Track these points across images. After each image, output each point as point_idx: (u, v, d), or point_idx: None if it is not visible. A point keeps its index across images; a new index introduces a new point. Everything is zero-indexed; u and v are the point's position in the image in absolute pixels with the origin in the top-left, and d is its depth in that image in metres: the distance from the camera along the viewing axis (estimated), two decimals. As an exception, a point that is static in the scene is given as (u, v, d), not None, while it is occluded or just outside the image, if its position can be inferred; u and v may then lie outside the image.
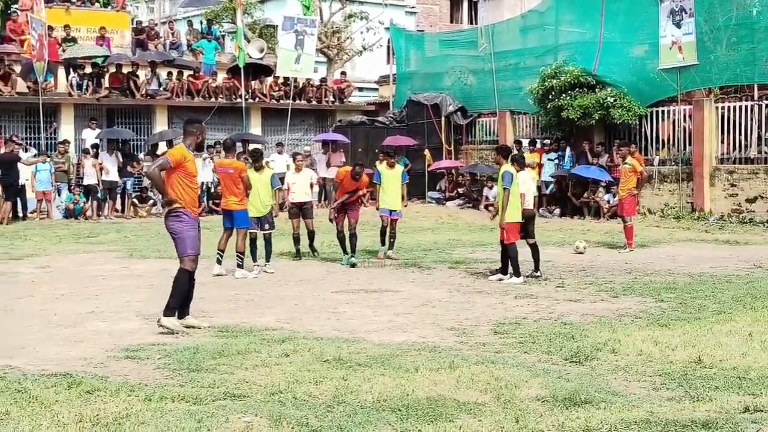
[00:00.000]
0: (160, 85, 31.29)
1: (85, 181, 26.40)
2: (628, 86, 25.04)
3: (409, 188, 18.11)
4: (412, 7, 55.73)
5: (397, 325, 10.55)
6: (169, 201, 10.06)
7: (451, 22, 57.62)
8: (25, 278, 14.61)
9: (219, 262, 15.03)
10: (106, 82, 30.46)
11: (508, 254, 14.14)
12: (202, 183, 25.97)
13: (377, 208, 17.37)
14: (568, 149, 26.27)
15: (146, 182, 27.47)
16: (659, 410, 6.78)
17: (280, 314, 11.27)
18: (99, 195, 26.39)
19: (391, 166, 17.31)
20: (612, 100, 24.58)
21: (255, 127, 32.99)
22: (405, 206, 17.70)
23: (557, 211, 25.89)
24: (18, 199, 25.24)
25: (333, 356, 8.50)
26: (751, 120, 22.93)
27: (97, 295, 12.82)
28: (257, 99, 33.04)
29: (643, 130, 25.17)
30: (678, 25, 23.63)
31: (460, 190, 29.43)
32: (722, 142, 23.61)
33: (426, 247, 18.71)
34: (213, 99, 31.93)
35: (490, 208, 27.19)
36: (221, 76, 33.12)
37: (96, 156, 26.54)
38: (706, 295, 12.28)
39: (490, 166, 29.34)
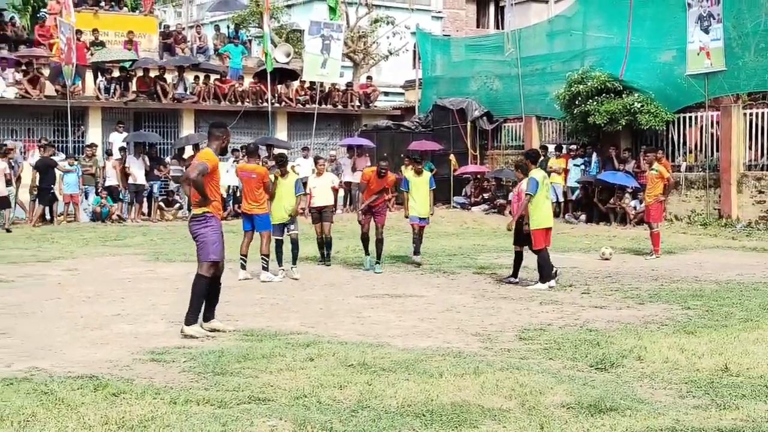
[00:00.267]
0: (186, 89, 31.44)
1: (107, 183, 26.57)
2: (655, 92, 24.91)
3: (435, 194, 17.92)
4: (439, 12, 55.72)
5: (421, 330, 10.54)
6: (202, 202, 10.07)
7: (478, 26, 57.59)
8: (52, 281, 14.70)
9: (243, 267, 15.09)
10: (133, 86, 30.64)
11: (538, 260, 14.05)
12: (228, 186, 26.08)
13: (406, 216, 17.22)
14: (594, 155, 26.15)
15: (173, 186, 27.61)
16: (685, 418, 6.75)
17: (304, 318, 11.29)
18: (121, 196, 26.54)
19: (419, 172, 17.20)
20: (639, 105, 24.45)
21: (281, 132, 33.07)
22: (431, 214, 17.43)
23: (583, 217, 25.78)
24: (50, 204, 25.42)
25: (357, 361, 8.50)
26: (779, 126, 22.78)
27: (123, 298, 12.89)
28: (283, 103, 33.14)
29: (670, 136, 25.03)
30: (706, 31, 23.48)
31: (486, 196, 29.37)
32: (750, 148, 23.45)
33: (451, 252, 18.68)
34: (239, 103, 32.05)
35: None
36: (248, 81, 33.23)
37: (123, 159, 26.68)
38: (733, 303, 12.20)
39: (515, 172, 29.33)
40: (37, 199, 25.02)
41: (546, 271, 13.95)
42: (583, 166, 26.31)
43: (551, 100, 27.68)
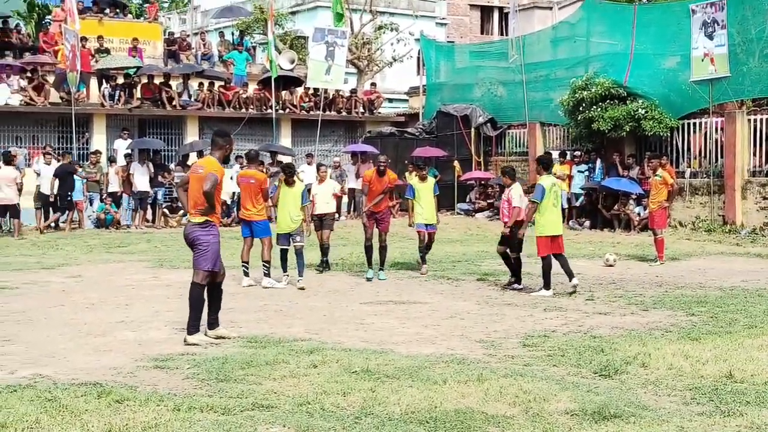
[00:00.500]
0: (190, 96, 31.49)
1: (110, 189, 26.62)
2: (659, 98, 24.90)
3: (439, 200, 17.82)
4: (443, 19, 55.78)
5: (425, 336, 10.53)
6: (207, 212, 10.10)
7: (482, 33, 57.64)
8: (56, 287, 14.72)
9: (246, 274, 15.11)
10: (138, 93, 30.70)
11: (542, 267, 14.01)
12: (233, 193, 26.10)
13: (410, 224, 17.14)
14: (598, 161, 26.15)
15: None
16: (689, 425, 6.74)
17: (308, 325, 11.29)
18: (122, 202, 26.58)
19: (423, 179, 17.10)
20: (643, 112, 24.45)
21: (285, 138, 33.12)
22: (438, 222, 17.30)
23: (587, 223, 25.76)
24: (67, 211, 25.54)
25: (361, 367, 8.50)
26: (784, 132, 22.77)
27: (127, 305, 12.90)
28: (287, 110, 33.18)
29: (674, 142, 25.02)
30: (710, 37, 23.47)
31: (490, 202, 29.35)
32: (754, 154, 23.43)
33: (455, 258, 18.67)
34: (244, 110, 32.11)
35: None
36: (252, 87, 33.28)
37: (128, 166, 26.72)
38: (738, 309, 12.18)
39: (520, 178, 29.28)
40: (46, 206, 25.05)
41: (547, 278, 13.91)
42: (587, 173, 26.30)
43: (555, 106, 27.70)
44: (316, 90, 33.23)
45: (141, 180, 26.45)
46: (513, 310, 12.46)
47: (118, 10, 34.87)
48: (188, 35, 37.77)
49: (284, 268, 15.26)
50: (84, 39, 29.62)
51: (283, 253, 15.27)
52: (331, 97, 33.94)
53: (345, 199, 29.49)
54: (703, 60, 23.66)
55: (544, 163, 14.58)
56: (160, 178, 27.19)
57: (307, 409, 7.16)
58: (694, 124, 24.65)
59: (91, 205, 26.46)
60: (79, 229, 25.43)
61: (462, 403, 7.34)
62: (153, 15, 36.66)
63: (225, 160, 10.55)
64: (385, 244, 16.15)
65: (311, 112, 33.09)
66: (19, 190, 24.11)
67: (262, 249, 15.04)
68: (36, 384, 7.94)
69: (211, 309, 10.30)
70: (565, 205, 26.12)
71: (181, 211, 27.15)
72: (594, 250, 19.94)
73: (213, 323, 10.32)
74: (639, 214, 24.01)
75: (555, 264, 13.96)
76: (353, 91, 36.05)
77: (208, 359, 8.96)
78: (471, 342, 10.16)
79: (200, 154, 26.09)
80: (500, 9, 57.50)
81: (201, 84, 32.16)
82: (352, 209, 29.66)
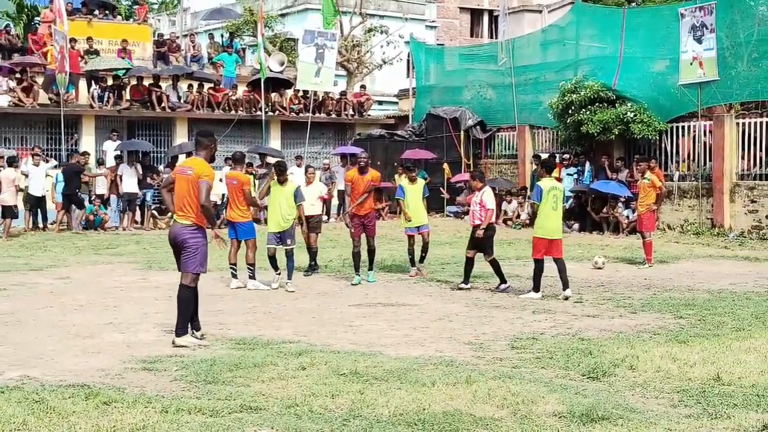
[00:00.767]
0: (180, 97, 31.46)
1: (98, 191, 26.59)
2: (648, 101, 24.97)
3: (429, 202, 17.74)
4: (433, 21, 55.82)
5: (414, 339, 10.53)
6: (213, 226, 10.13)
7: (471, 36, 57.70)
8: (44, 289, 14.67)
9: (234, 276, 15.09)
10: (127, 95, 30.65)
11: (534, 269, 14.01)
12: (223, 195, 26.04)
13: (408, 219, 17.01)
14: (587, 164, 26.20)
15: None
16: (677, 427, 6.76)
17: (297, 327, 11.28)
18: (110, 204, 26.55)
19: (413, 180, 17.09)
20: (632, 115, 24.51)
21: (274, 140, 33.12)
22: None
23: (576, 226, 25.80)
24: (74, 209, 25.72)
25: (349, 370, 8.50)
26: (772, 136, 22.84)
27: (115, 307, 12.87)
28: (277, 112, 33.19)
29: (663, 145, 25.08)
30: (699, 41, 23.55)
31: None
32: (743, 158, 23.50)
33: (444, 261, 18.67)
34: (233, 112, 32.11)
35: (508, 222, 27.27)
36: (241, 89, 33.27)
37: (117, 166, 26.67)
38: (726, 312, 12.21)
39: (509, 181, 29.38)
40: (35, 207, 25.01)
41: (535, 281, 13.91)
42: (576, 176, 26.36)
43: (544, 109, 27.75)
44: (305, 92, 33.24)
45: (129, 181, 26.39)
46: (502, 313, 12.47)
47: (107, 12, 34.83)
48: (178, 37, 37.73)
49: (274, 267, 15.00)
50: (73, 40, 29.57)
51: (272, 256, 14.99)
52: (320, 99, 33.96)
53: (335, 201, 29.49)
54: (691, 63, 23.75)
55: (548, 166, 14.66)
56: (149, 180, 27.14)
57: (295, 411, 7.15)
58: (683, 127, 24.72)
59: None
60: (68, 231, 25.35)
61: (450, 405, 7.34)
62: (142, 16, 36.63)
63: (211, 160, 10.50)
64: (373, 247, 16.00)
65: (301, 114, 33.11)
66: (21, 191, 24.16)
67: (247, 251, 15.00)
68: (23, 385, 7.92)
69: (193, 311, 10.27)
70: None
71: (170, 213, 27.13)
72: (583, 252, 19.96)
73: (196, 325, 10.28)
74: (628, 217, 24.07)
75: (551, 269, 13.96)
76: (343, 94, 36.07)
77: (196, 361, 8.95)
78: (460, 344, 10.17)
79: (189, 156, 26.06)
80: (490, 12, 57.55)
81: (190, 86, 32.15)
82: (342, 211, 29.63)
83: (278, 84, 33.73)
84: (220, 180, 22.39)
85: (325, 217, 23.45)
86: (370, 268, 16.00)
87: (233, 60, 34.96)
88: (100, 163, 27.31)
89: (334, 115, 34.59)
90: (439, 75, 34.56)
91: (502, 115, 30.71)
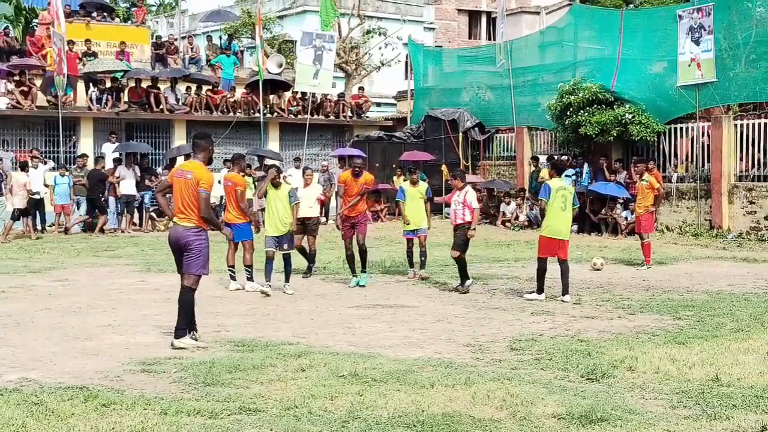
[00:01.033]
0: (178, 99, 31.45)
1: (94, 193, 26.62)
2: (646, 103, 24.98)
3: (432, 203, 17.50)
4: (431, 23, 55.82)
5: (413, 340, 10.53)
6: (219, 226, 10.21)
7: (470, 37, 57.69)
8: (42, 291, 14.67)
9: (233, 278, 15.07)
10: (125, 97, 30.64)
11: (537, 268, 13.97)
12: (221, 197, 26.04)
13: (407, 223, 16.94)
14: (585, 166, 26.21)
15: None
16: (676, 428, 6.76)
17: (296, 329, 11.28)
18: (108, 206, 26.56)
19: (414, 183, 16.96)
20: (630, 116, 24.52)
21: (273, 142, 33.10)
22: (428, 228, 17.05)
23: (575, 227, 25.69)
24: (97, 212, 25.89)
25: (349, 371, 8.50)
26: (770, 137, 22.86)
27: (114, 309, 12.87)
28: (275, 114, 33.18)
29: (661, 146, 25.10)
30: (697, 42, 23.58)
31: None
32: (741, 159, 23.52)
33: (442, 262, 18.66)
34: (231, 114, 32.09)
35: (507, 224, 27.28)
36: (240, 91, 33.26)
37: (114, 170, 26.66)
38: (724, 313, 12.22)
39: (507, 182, 29.38)
40: (33, 209, 25.01)
41: (538, 282, 13.90)
42: (574, 177, 26.34)
43: (543, 110, 27.77)
44: (304, 94, 33.24)
45: (127, 184, 26.37)
46: (500, 314, 12.47)
47: (105, 14, 34.81)
48: (176, 39, 37.72)
49: (267, 276, 14.58)
50: (71, 42, 29.58)
51: (269, 261, 14.63)
52: (319, 101, 33.95)
53: (333, 203, 29.47)
54: (689, 65, 23.77)
55: (557, 168, 14.66)
56: (147, 182, 27.13)
57: (294, 413, 7.15)
58: (681, 128, 24.74)
59: (78, 208, 26.37)
60: (66, 233, 25.33)
61: (449, 406, 7.34)
62: (140, 19, 36.60)
63: (208, 162, 10.51)
64: (364, 248, 15.75)
65: (299, 116, 33.09)
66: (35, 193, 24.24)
67: (244, 253, 14.95)
68: (22, 388, 7.92)
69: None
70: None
71: (166, 216, 27.12)
72: (581, 254, 19.97)
73: (192, 327, 10.29)
74: (626, 219, 24.08)
75: (553, 270, 13.95)
76: (341, 95, 36.07)
77: (195, 363, 8.95)
78: (458, 346, 10.17)
79: (187, 158, 26.06)
80: (488, 14, 57.57)
81: (189, 88, 32.14)
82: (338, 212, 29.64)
83: (276, 86, 33.72)
84: (219, 182, 22.41)
85: (323, 219, 23.45)
86: (363, 270, 15.75)
87: (231, 62, 34.93)
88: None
89: (332, 117, 34.58)
90: (438, 77, 34.58)
91: (501, 117, 30.74)
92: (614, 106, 25.08)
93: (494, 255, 20.45)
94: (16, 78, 29.13)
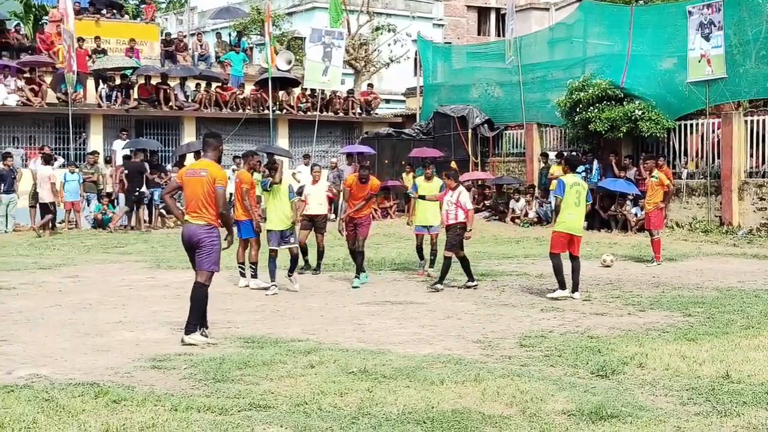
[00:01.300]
0: (187, 96, 31.49)
1: (107, 190, 26.71)
2: (656, 99, 24.92)
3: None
4: (440, 20, 55.78)
5: (422, 337, 10.53)
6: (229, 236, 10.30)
7: (479, 34, 57.63)
8: (53, 288, 14.70)
9: (242, 274, 15.08)
10: (135, 94, 30.70)
11: (552, 266, 13.82)
12: (230, 194, 26.08)
13: (408, 223, 16.89)
14: (595, 162, 26.15)
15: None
16: (686, 425, 6.75)
17: (305, 325, 11.29)
18: (117, 203, 26.64)
19: (429, 178, 16.73)
20: (640, 113, 24.45)
21: (282, 139, 33.14)
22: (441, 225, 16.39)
23: (584, 224, 25.71)
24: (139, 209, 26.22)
25: (358, 368, 8.50)
26: (781, 134, 22.79)
27: (124, 305, 12.90)
28: (284, 111, 33.20)
29: (671, 143, 25.04)
30: (707, 38, 23.52)
31: (487, 203, 29.36)
32: (751, 155, 23.46)
33: (452, 259, 18.64)
34: (241, 110, 32.12)
35: (516, 220, 27.24)
36: (249, 88, 33.28)
37: (124, 167, 26.73)
38: (734, 310, 12.20)
39: (517, 179, 29.34)
40: (42, 206, 25.12)
41: (558, 278, 13.75)
42: (584, 174, 26.27)
43: (552, 107, 27.70)
44: (313, 91, 33.24)
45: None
46: (510, 311, 12.46)
47: (114, 11, 34.89)
48: (185, 36, 37.77)
49: (272, 276, 14.33)
50: (81, 40, 29.63)
51: (273, 258, 14.35)
52: (328, 97, 33.95)
53: (342, 200, 29.47)
54: (699, 61, 23.71)
55: (571, 163, 14.56)
56: (156, 179, 27.16)
57: (304, 410, 7.16)
58: (691, 125, 24.67)
59: (88, 205, 26.43)
60: (76, 230, 25.41)
61: (459, 403, 7.34)
62: (150, 16, 36.65)
63: (218, 160, 10.57)
64: (361, 250, 15.47)
65: (308, 113, 33.10)
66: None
67: (250, 250, 14.93)
68: (33, 384, 7.94)
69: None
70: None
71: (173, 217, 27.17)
72: (591, 250, 19.93)
73: (202, 323, 10.34)
74: (636, 215, 24.03)
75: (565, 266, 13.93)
76: (350, 92, 36.07)
77: (205, 359, 8.96)
78: (468, 342, 10.17)
79: (197, 155, 26.10)
80: (497, 10, 57.50)
81: (198, 85, 32.18)
82: (341, 211, 29.64)
83: (286, 83, 33.74)
84: (228, 179, 22.46)
85: (332, 216, 23.46)
86: (357, 274, 15.36)
87: (241, 59, 34.98)
88: (108, 161, 27.34)
89: (341, 114, 34.59)
90: (447, 73, 34.50)
91: (510, 114, 30.67)
92: (624, 103, 25.01)
93: (504, 252, 20.43)
94: (26, 75, 29.20)
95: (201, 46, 35.98)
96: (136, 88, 30.90)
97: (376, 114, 36.51)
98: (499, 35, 54.49)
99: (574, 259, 13.81)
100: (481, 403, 7.34)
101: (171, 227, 26.01)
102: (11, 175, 24.74)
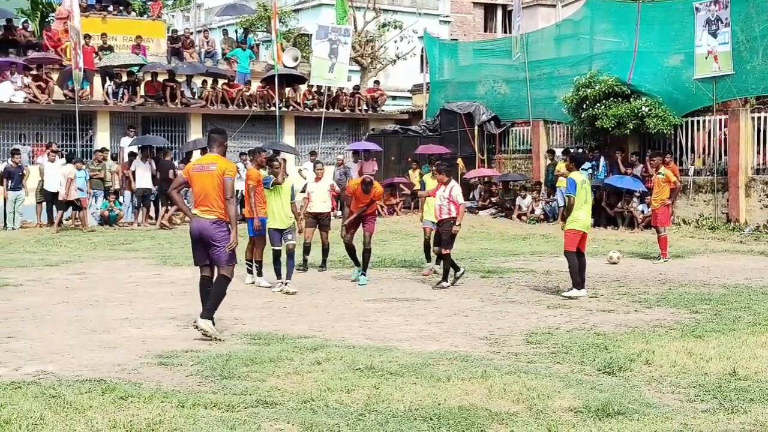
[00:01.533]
0: (193, 93, 31.52)
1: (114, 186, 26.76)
2: (663, 96, 24.88)
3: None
4: (446, 16, 55.79)
5: (429, 334, 10.54)
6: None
7: (485, 31, 57.64)
8: (60, 284, 14.72)
9: (249, 271, 15.07)
10: (141, 91, 30.73)
11: (568, 264, 13.68)
12: (237, 191, 26.07)
13: (421, 219, 16.85)
14: (602, 159, 26.14)
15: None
16: (693, 422, 6.74)
17: (312, 322, 11.29)
18: (123, 200, 26.67)
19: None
20: (647, 109, 24.42)
21: (288, 135, 33.15)
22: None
23: (591, 220, 25.69)
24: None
25: (365, 364, 8.50)
26: (788, 130, 22.74)
27: (131, 302, 12.91)
28: (291, 107, 33.20)
29: (678, 140, 25.01)
30: (714, 35, 23.47)
31: (493, 200, 29.35)
32: (758, 152, 23.41)
33: (458, 256, 18.55)
34: (247, 107, 32.13)
35: (522, 217, 27.22)
36: (255, 85, 33.29)
37: (129, 164, 26.77)
38: (741, 307, 12.18)
39: (523, 175, 29.33)
40: (49, 203, 25.17)
41: (575, 277, 13.59)
42: (590, 170, 26.26)
43: (559, 104, 27.68)
44: (319, 87, 33.25)
45: (143, 177, 26.43)
46: (516, 308, 12.46)
47: (121, 8, 34.93)
48: (192, 33, 37.84)
49: (278, 273, 14.34)
50: (87, 36, 29.67)
51: (276, 255, 14.33)
52: (334, 94, 33.96)
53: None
54: (706, 58, 23.67)
55: (577, 160, 14.52)
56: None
57: (311, 406, 7.17)
58: (698, 121, 24.64)
59: (95, 202, 26.46)
60: (83, 226, 25.42)
61: (466, 399, 7.34)
62: (156, 12, 36.68)
63: (223, 156, 10.58)
64: (369, 247, 15.34)
65: (315, 110, 33.11)
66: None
67: (255, 248, 14.89)
68: (40, 381, 7.96)
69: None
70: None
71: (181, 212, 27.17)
72: (598, 247, 19.90)
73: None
74: (642, 212, 24.00)
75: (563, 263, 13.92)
76: (357, 89, 36.06)
77: (211, 356, 8.97)
78: (474, 339, 10.17)
79: (204, 152, 26.11)
80: (504, 7, 57.49)
81: (204, 81, 32.20)
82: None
83: (292, 79, 33.75)
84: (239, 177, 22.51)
85: (338, 213, 23.44)
86: (363, 272, 15.32)
87: (247, 56, 34.99)
88: (113, 158, 27.38)
89: (348, 111, 34.58)
90: (453, 70, 34.50)
91: (516, 110, 30.65)
92: (631, 99, 24.98)
93: (510, 248, 20.41)
94: (33, 72, 29.23)
95: (207, 43, 36.00)
96: (142, 85, 30.93)
97: (383, 111, 36.50)
98: (505, 32, 54.47)
99: (581, 255, 13.79)
100: (487, 400, 7.34)
101: (177, 224, 26.02)
102: (18, 172, 24.77)
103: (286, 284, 14.00)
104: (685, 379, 8.09)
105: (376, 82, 38.70)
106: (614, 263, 17.34)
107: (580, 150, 26.55)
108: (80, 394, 7.35)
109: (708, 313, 11.73)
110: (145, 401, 7.17)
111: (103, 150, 27.39)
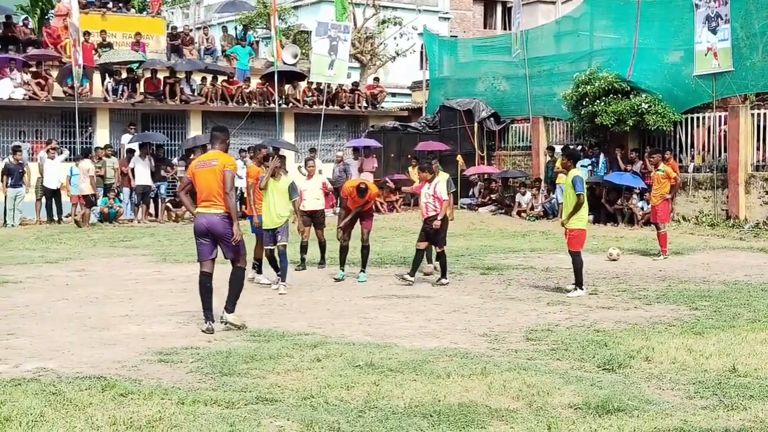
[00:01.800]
0: (193, 90, 31.50)
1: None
2: (662, 92, 24.87)
3: (455, 196, 16.54)
4: (446, 13, 55.76)
5: (428, 330, 10.54)
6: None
7: (485, 27, 57.63)
8: (60, 281, 14.73)
9: (253, 267, 15.05)
10: (141, 88, 30.71)
11: (573, 264, 13.56)
12: (237, 188, 26.07)
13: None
14: (602, 156, 26.13)
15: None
16: (693, 419, 6.74)
17: (312, 319, 11.30)
18: (122, 197, 26.67)
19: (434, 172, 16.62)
20: (646, 106, 24.41)
21: (288, 132, 33.13)
22: (452, 219, 15.68)
23: (591, 217, 25.63)
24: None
25: (365, 361, 8.51)
26: (788, 127, 22.73)
27: (131, 299, 12.92)
28: (290, 104, 33.18)
29: (677, 136, 25.00)
30: (714, 31, 23.45)
31: (493, 196, 29.35)
32: (758, 149, 23.41)
33: (458, 253, 18.64)
34: (247, 104, 32.12)
35: (522, 214, 27.22)
36: (255, 82, 33.27)
37: (128, 160, 26.77)
38: (741, 304, 12.18)
39: (523, 172, 29.32)
40: (49, 199, 25.16)
41: (580, 277, 13.48)
42: (590, 167, 26.27)
43: (558, 100, 27.66)
44: (319, 84, 33.24)
45: (142, 174, 26.43)
46: (516, 304, 12.46)
47: (121, 5, 34.87)
48: (191, 30, 37.85)
49: (275, 268, 14.26)
50: (87, 33, 29.65)
51: (272, 258, 14.27)
52: (334, 91, 33.95)
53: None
54: (706, 54, 23.65)
55: (574, 157, 14.43)
56: (162, 173, 27.19)
57: (311, 403, 7.17)
58: (698, 118, 24.62)
59: (96, 198, 26.44)
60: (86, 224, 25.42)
61: (466, 396, 7.35)
62: (156, 9, 36.65)
63: (225, 152, 10.67)
64: (367, 244, 15.24)
65: (314, 107, 33.10)
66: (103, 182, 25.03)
67: (255, 246, 14.86)
68: (40, 377, 7.96)
69: (211, 300, 10.58)
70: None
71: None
72: (597, 244, 19.92)
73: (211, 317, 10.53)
74: (642, 209, 24.00)
75: (564, 260, 13.93)
76: (356, 86, 36.04)
77: (211, 353, 8.98)
78: (474, 336, 10.17)
79: (203, 149, 26.11)
80: (503, 3, 57.48)
81: (204, 78, 32.17)
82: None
83: (292, 76, 33.72)
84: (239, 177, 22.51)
85: (337, 209, 23.43)
86: (363, 269, 15.26)
87: (247, 52, 34.96)
88: (115, 155, 27.37)
89: (347, 108, 34.57)
90: (453, 67, 34.49)
91: (516, 107, 30.64)
92: (630, 96, 24.97)
93: (510, 245, 20.41)
94: (33, 69, 29.22)
95: (207, 39, 35.98)
96: (142, 82, 30.91)
97: (382, 107, 36.49)
98: (505, 28, 54.50)
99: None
100: (487, 397, 7.35)
101: (177, 221, 26.01)
102: (19, 169, 24.78)
103: (279, 284, 13.90)
104: (685, 376, 8.10)
105: (376, 79, 38.69)
106: (614, 260, 17.35)
107: (579, 147, 26.55)
108: (80, 391, 7.36)
109: (708, 310, 11.74)
110: (145, 398, 7.18)
111: (106, 147, 27.39)
